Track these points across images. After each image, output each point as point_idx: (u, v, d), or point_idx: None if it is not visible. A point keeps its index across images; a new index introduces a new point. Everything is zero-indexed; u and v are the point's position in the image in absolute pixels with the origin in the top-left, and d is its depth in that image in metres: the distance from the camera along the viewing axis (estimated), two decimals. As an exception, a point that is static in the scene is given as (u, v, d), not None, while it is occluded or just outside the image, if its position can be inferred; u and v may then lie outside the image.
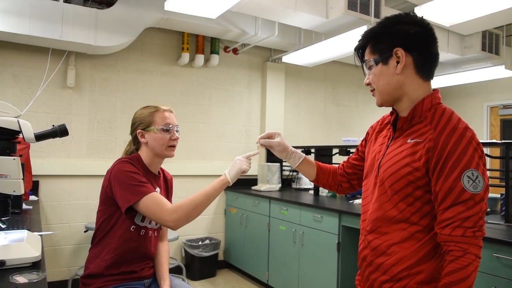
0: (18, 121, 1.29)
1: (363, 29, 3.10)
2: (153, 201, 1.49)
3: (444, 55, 4.27)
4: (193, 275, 3.91)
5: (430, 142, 1.09)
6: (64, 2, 3.36)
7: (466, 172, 1.04)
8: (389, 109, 1.32)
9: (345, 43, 3.47)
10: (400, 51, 1.14)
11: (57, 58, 3.60)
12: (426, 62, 1.16)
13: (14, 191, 1.26)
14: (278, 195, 3.72)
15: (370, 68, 1.21)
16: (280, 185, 4.22)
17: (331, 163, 3.89)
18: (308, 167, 1.54)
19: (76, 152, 3.65)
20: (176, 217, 1.47)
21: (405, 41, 1.14)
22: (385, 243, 1.16)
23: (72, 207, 3.65)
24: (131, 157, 1.66)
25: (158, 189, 1.68)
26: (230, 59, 4.48)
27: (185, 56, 4.10)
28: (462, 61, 4.47)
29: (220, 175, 1.60)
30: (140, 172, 1.59)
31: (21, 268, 1.19)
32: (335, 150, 3.81)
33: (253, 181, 4.43)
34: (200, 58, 4.17)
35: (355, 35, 3.23)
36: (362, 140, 1.46)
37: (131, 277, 1.62)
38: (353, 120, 5.46)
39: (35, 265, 1.24)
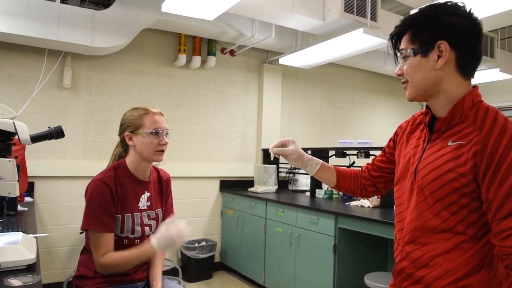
0: (13, 122, 1.29)
1: (359, 31, 3.11)
2: (95, 240, 1.53)
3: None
4: (189, 277, 3.89)
5: (477, 145, 0.99)
6: (60, 2, 3.35)
7: None
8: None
9: (342, 46, 3.48)
10: (444, 45, 1.03)
11: (53, 59, 3.58)
12: (469, 60, 1.06)
13: (9, 193, 1.25)
14: (275, 197, 3.71)
15: (405, 58, 1.10)
16: (276, 186, 4.21)
17: (327, 165, 3.89)
18: (327, 173, 1.45)
19: (72, 153, 3.64)
20: (102, 268, 1.53)
21: (451, 34, 1.03)
22: (427, 255, 1.07)
23: (68, 208, 3.63)
24: (114, 167, 1.63)
25: (147, 193, 1.66)
26: (227, 61, 4.48)
27: (182, 58, 4.09)
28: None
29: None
30: (108, 200, 1.54)
31: (16, 271, 1.18)
32: (331, 152, 3.81)
33: (250, 182, 4.43)
34: (197, 60, 4.17)
35: (351, 38, 3.24)
36: (390, 141, 1.36)
37: (124, 279, 1.62)
38: (350, 122, 5.48)
39: (30, 268, 1.23)
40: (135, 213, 1.63)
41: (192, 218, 4.17)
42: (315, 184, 3.88)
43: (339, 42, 3.40)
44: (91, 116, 3.74)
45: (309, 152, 3.99)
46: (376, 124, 5.75)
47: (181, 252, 3.97)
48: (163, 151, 1.65)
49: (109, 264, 1.51)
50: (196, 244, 4.01)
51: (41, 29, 3.21)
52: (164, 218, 1.73)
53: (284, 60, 4.18)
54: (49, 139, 1.41)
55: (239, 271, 4.05)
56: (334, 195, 3.74)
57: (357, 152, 3.39)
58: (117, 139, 1.77)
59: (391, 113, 5.93)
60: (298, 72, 4.87)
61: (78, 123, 3.67)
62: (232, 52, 4.49)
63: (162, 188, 1.75)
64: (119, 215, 1.59)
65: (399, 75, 1.13)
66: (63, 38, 3.29)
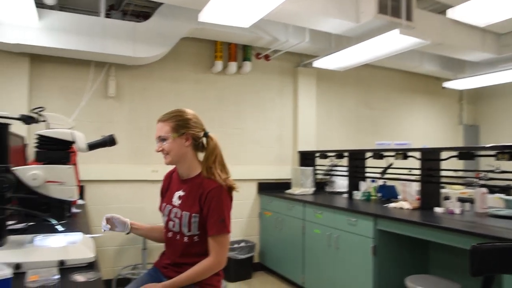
0: (72, 132, 1.39)
1: (395, 32, 3.08)
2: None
3: (479, 55, 4.15)
4: (229, 277, 3.97)
5: None
6: (105, 17, 3.53)
7: None
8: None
9: (377, 47, 3.45)
10: None
11: (99, 70, 3.78)
12: None
13: (70, 197, 1.36)
14: (312, 199, 3.72)
15: None
16: (313, 188, 4.22)
17: (364, 167, 3.87)
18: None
19: (118, 158, 3.81)
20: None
21: None
22: None
23: (115, 210, 3.74)
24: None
25: (181, 192, 1.70)
26: (262, 66, 4.54)
27: (218, 64, 4.19)
28: (498, 60, 4.33)
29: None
30: (163, 185, 1.83)
31: (78, 268, 1.28)
32: (368, 154, 3.77)
33: (287, 184, 4.46)
34: (232, 66, 4.26)
35: (387, 39, 3.21)
36: None
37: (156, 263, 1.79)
38: (386, 123, 5.39)
39: (90, 265, 1.33)
40: (167, 205, 1.73)
41: (232, 219, 4.23)
42: (353, 185, 3.85)
43: (375, 44, 3.37)
44: (134, 123, 3.91)
45: (346, 154, 3.98)
46: (414, 125, 5.62)
47: (221, 253, 4.05)
48: (164, 155, 1.70)
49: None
50: (236, 245, 4.08)
51: (88, 43, 3.40)
52: (208, 234, 1.61)
53: (318, 63, 4.19)
54: (103, 146, 1.52)
55: (278, 271, 4.08)
56: (371, 197, 3.70)
57: (395, 154, 3.35)
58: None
59: (428, 113, 5.77)
60: (333, 74, 4.85)
61: (122, 129, 3.84)
62: (267, 57, 4.54)
63: (199, 197, 1.63)
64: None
65: None
66: (108, 50, 3.47)
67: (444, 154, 3.09)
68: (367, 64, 4.46)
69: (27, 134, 3.34)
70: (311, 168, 4.28)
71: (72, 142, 1.40)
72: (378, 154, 3.52)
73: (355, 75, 5.08)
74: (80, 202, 3.11)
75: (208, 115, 4.23)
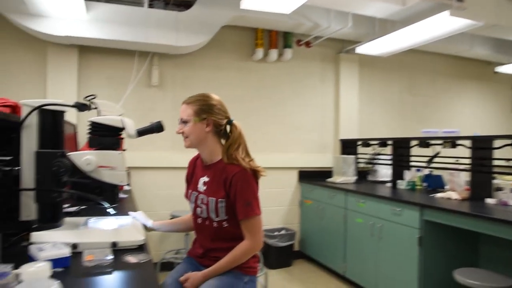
0: (122, 119, 1.44)
1: (445, 14, 2.93)
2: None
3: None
4: (270, 264, 4.01)
5: None
6: (148, 7, 3.61)
7: None
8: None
9: (425, 30, 3.30)
10: None
11: (142, 60, 3.88)
12: None
13: (121, 181, 1.41)
14: (354, 187, 3.67)
15: None
16: (355, 177, 4.16)
17: (409, 155, 3.74)
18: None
19: (162, 146, 3.92)
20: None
21: None
22: None
23: (158, 196, 3.94)
24: None
25: (206, 178, 1.69)
26: (303, 52, 4.48)
27: (259, 52, 4.18)
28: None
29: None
30: (188, 171, 1.85)
31: (129, 250, 1.34)
32: (413, 142, 3.64)
33: (328, 173, 4.42)
34: (273, 53, 4.23)
35: (436, 21, 3.06)
36: None
37: (189, 251, 1.84)
38: (431, 110, 5.18)
39: (141, 248, 1.38)
40: (193, 192, 1.75)
41: (271, 207, 4.27)
42: (397, 174, 3.75)
43: (422, 27, 3.23)
44: (176, 111, 3.96)
45: (390, 142, 3.87)
46: (462, 112, 5.36)
47: (262, 240, 4.09)
48: (184, 138, 1.71)
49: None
50: (276, 233, 4.10)
51: (132, 33, 3.49)
52: (238, 219, 1.61)
53: (361, 49, 4.08)
54: (151, 133, 1.56)
55: (318, 260, 4.08)
56: (416, 187, 3.58)
57: (443, 142, 3.21)
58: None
59: (478, 100, 5.48)
60: (376, 60, 4.71)
61: (165, 117, 3.87)
62: (308, 44, 4.47)
63: (224, 182, 1.62)
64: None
65: None
66: (151, 39, 3.55)
67: (497, 143, 2.93)
68: (412, 49, 4.28)
69: (76, 121, 3.51)
70: (353, 156, 4.20)
71: (122, 129, 1.45)
72: (425, 142, 3.39)
73: (399, 60, 4.90)
74: (126, 187, 3.22)
75: (249, 102, 4.25)
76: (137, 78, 3.86)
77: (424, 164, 3.45)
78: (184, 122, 1.67)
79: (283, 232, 4.15)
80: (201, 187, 1.70)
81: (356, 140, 4.46)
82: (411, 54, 4.89)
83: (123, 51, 3.79)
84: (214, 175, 1.67)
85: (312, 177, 4.41)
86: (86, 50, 3.72)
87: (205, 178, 1.70)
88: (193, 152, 1.85)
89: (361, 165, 4.43)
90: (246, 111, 4.24)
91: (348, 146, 4.51)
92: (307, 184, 4.30)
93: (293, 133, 4.45)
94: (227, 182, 1.60)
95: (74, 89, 3.63)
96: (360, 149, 4.43)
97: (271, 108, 4.37)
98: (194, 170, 1.82)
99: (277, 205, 4.36)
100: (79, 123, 3.54)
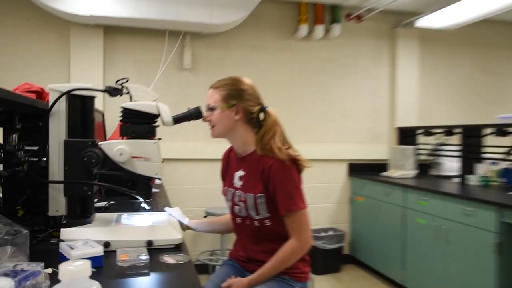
0: (157, 105, 1.45)
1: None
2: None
3: None
4: (316, 269, 3.97)
5: None
6: (179, -19, 3.63)
7: None
8: None
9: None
10: None
11: (173, 40, 3.92)
12: None
13: (156, 174, 1.42)
14: (415, 183, 3.58)
15: None
16: (415, 171, 4.06)
17: (481, 146, 3.58)
18: None
19: (193, 136, 3.97)
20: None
21: None
22: None
23: (191, 191, 4.00)
24: None
25: (241, 172, 1.68)
26: (353, 28, 4.37)
27: (303, 28, 4.12)
28: None
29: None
30: (222, 166, 1.86)
31: (165, 249, 1.35)
32: (487, 130, 3.47)
33: (383, 166, 4.33)
34: (319, 29, 4.16)
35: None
36: None
37: (230, 253, 1.85)
38: (511, 92, 4.90)
39: (178, 247, 1.40)
40: (229, 188, 1.74)
41: (317, 204, 4.24)
42: (466, 168, 3.59)
43: (499, -8, 3.05)
44: (211, 97, 4.01)
45: (458, 130, 3.72)
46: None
47: (306, 242, 4.07)
48: (210, 127, 1.69)
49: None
50: (323, 234, 4.07)
51: (161, 10, 3.54)
52: (280, 214, 1.58)
53: (422, 22, 3.93)
54: (189, 120, 1.57)
55: (371, 265, 4.02)
56: (491, 183, 3.42)
57: (524, 129, 3.04)
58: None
59: None
60: (440, 34, 4.53)
61: (198, 104, 3.95)
62: (358, 18, 4.35)
63: (261, 175, 1.60)
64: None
65: None
66: (182, 17, 3.57)
67: None
68: (486, 20, 4.07)
69: (103, 108, 3.60)
70: (412, 147, 4.11)
71: (157, 116, 1.46)
72: (501, 130, 3.23)
73: (469, 33, 4.66)
74: (157, 181, 3.29)
75: (291, 87, 4.22)
76: (168, 61, 3.91)
77: (501, 156, 3.28)
78: (210, 109, 1.66)
79: (330, 233, 4.11)
80: (237, 182, 1.69)
81: (415, 128, 4.34)
82: (485, 26, 4.63)
83: (152, 30, 3.85)
84: (249, 168, 1.65)
85: (364, 170, 4.35)
86: (112, 31, 3.81)
87: (241, 172, 1.68)
88: (228, 143, 1.84)
89: (422, 157, 4.29)
90: (288, 97, 4.21)
91: (407, 135, 4.40)
92: (358, 178, 4.25)
93: (342, 121, 4.39)
94: (264, 174, 1.58)
95: (100, 73, 3.74)
96: (421, 139, 4.31)
97: (317, 93, 4.31)
98: (228, 164, 1.81)
99: (323, 202, 4.32)
100: (105, 110, 3.64)
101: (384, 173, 4.14)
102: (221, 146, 1.94)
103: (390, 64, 4.52)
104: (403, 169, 4.03)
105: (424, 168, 4.28)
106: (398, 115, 4.47)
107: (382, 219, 3.82)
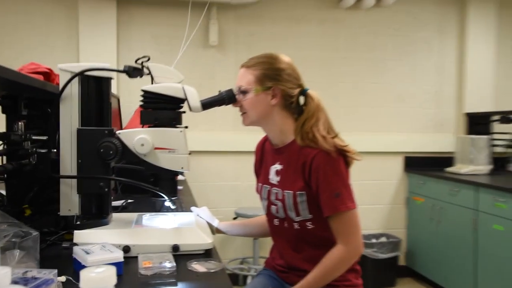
0: (183, 87, 1.46)
1: None
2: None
3: None
4: (365, 282, 3.93)
5: None
6: None
7: None
8: None
9: None
10: None
11: (197, 13, 3.91)
12: None
13: (182, 168, 1.43)
14: (489, 181, 3.55)
15: None
16: (490, 166, 4.00)
17: None
18: None
19: (221, 125, 4.00)
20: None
21: None
22: None
23: (218, 189, 4.03)
24: None
25: (278, 165, 1.68)
26: (412, -7, 4.31)
27: (350, -5, 4.08)
28: None
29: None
30: (256, 159, 1.88)
31: (194, 255, 1.36)
32: None
33: (448, 160, 4.28)
34: (370, -4, 4.11)
35: None
36: None
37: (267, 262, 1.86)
38: None
39: (208, 253, 1.41)
40: (264, 185, 1.75)
41: (367, 206, 4.21)
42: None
43: None
44: (241, 78, 4.02)
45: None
46: None
47: (354, 250, 4.05)
48: (241, 113, 1.70)
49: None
50: (374, 240, 4.05)
51: (184, -23, 3.54)
52: (324, 215, 1.57)
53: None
54: (220, 105, 1.57)
55: (433, 280, 3.98)
56: None
57: None
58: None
59: None
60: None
61: (226, 86, 3.97)
62: (419, -20, 4.28)
63: (302, 168, 1.59)
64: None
65: None
66: (208, -16, 3.58)
67: None
68: None
69: (117, 92, 3.66)
70: (485, 137, 4.05)
71: (183, 100, 1.47)
72: None
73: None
74: (180, 177, 3.33)
75: (335, 66, 4.19)
76: (191, 37, 3.92)
77: None
78: (242, 92, 1.66)
79: (383, 239, 4.09)
80: (273, 178, 1.69)
81: (490, 114, 4.29)
82: None
83: (173, 2, 3.88)
84: (289, 161, 1.64)
85: (424, 165, 4.31)
86: (126, 2, 3.86)
87: (278, 166, 1.68)
88: (262, 134, 1.83)
89: (498, 149, 4.24)
90: (332, 78, 4.18)
91: (478, 123, 4.35)
92: (416, 174, 4.22)
93: (397, 106, 4.34)
94: (306, 167, 1.56)
95: (113, 52, 3.80)
96: (496, 127, 4.26)
97: (366, 73, 4.27)
98: (263, 157, 1.82)
99: (374, 203, 4.30)
100: (120, 94, 3.70)
101: (450, 169, 4.08)
102: (254, 137, 1.94)
103: (458, 36, 4.44)
104: (474, 163, 3.98)
105: (500, 162, 4.23)
106: (467, 98, 4.39)
107: (446, 224, 3.77)
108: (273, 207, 1.68)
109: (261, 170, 1.80)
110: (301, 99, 1.66)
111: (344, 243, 1.55)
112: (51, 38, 3.80)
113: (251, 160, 1.89)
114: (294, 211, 1.60)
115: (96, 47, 3.78)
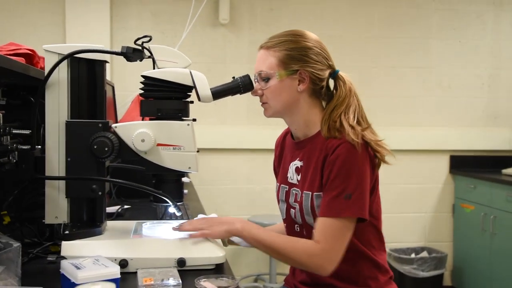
0: (191, 72, 1.45)
1: None
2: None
3: None
4: (403, 304, 3.94)
5: None
6: None
7: None
8: None
9: None
10: None
11: (205, -15, 3.93)
12: None
13: (189, 168, 1.43)
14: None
15: None
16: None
17: None
18: None
19: (233, 118, 4.00)
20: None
21: None
22: None
23: (229, 193, 4.04)
24: None
25: (298, 162, 1.66)
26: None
27: (386, -39, 4.07)
28: None
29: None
30: (275, 155, 1.87)
31: (202, 271, 1.37)
32: None
33: (505, 160, 4.25)
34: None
35: None
36: None
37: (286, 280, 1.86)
38: None
39: (219, 268, 1.41)
40: (282, 185, 1.75)
41: (405, 214, 4.20)
42: None
43: None
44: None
45: None
46: None
47: (389, 265, 4.03)
48: (262, 103, 1.67)
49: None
50: (413, 255, 4.02)
51: None
52: (320, 213, 1.55)
53: None
54: (234, 94, 1.56)
55: (484, 303, 3.95)
56: None
57: None
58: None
59: None
60: None
61: (240, 73, 3.97)
62: None
63: (322, 164, 1.57)
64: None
65: None
66: None
67: None
68: None
69: (110, 79, 3.68)
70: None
71: (191, 88, 1.46)
72: None
73: None
74: (184, 179, 3.33)
75: (368, 45, 4.16)
76: (197, 14, 3.93)
77: None
78: (263, 78, 1.64)
79: (424, 254, 4.07)
80: (292, 176, 1.68)
81: None
82: None
83: (176, -29, 3.90)
84: (309, 156, 1.63)
85: (475, 166, 4.29)
86: (122, -27, 3.88)
87: (297, 163, 1.67)
88: (278, 129, 1.82)
89: None
90: (363, 62, 4.18)
91: None
92: (465, 177, 4.21)
93: (441, 95, 4.33)
94: (326, 161, 1.53)
95: (106, 32, 3.83)
96: None
97: (404, 55, 4.26)
98: (282, 152, 1.81)
99: (414, 210, 4.28)
100: (114, 81, 3.71)
101: (506, 170, 4.05)
102: (271, 132, 1.94)
103: (517, 10, 4.39)
104: (535, 164, 3.95)
105: None
106: (528, 85, 4.35)
107: (502, 237, 3.75)
108: (292, 211, 1.67)
109: (280, 168, 1.80)
110: (331, 83, 1.64)
111: (322, 242, 1.47)
112: (33, 15, 3.82)
113: (268, 159, 1.89)
114: (311, 215, 1.57)
115: (85, 26, 3.80)
